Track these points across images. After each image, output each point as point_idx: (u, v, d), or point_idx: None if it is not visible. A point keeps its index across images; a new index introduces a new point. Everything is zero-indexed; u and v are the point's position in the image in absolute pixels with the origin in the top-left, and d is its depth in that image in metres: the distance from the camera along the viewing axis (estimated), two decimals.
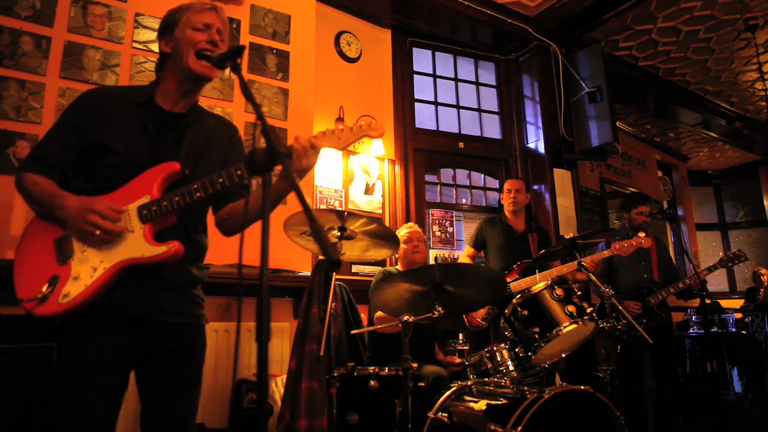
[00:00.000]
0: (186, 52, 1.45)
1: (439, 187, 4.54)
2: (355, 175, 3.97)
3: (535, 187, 4.60)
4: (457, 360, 3.00)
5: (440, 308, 2.16)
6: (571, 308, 2.30)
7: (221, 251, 1.85)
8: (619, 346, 3.35)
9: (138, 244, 1.35)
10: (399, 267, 3.24)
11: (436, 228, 4.35)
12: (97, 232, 1.32)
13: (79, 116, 1.45)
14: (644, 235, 3.16)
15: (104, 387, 1.35)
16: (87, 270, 1.33)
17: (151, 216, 1.36)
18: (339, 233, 2.12)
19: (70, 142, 1.43)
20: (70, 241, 1.38)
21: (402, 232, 3.14)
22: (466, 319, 3.33)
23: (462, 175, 4.73)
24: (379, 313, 2.76)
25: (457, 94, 4.81)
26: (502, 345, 2.41)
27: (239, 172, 1.34)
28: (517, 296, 2.44)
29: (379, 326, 2.56)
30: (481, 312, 3.27)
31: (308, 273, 2.96)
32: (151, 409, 1.44)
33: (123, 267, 1.34)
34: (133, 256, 1.34)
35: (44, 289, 1.32)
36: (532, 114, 4.74)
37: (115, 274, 1.34)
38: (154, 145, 1.44)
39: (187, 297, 1.49)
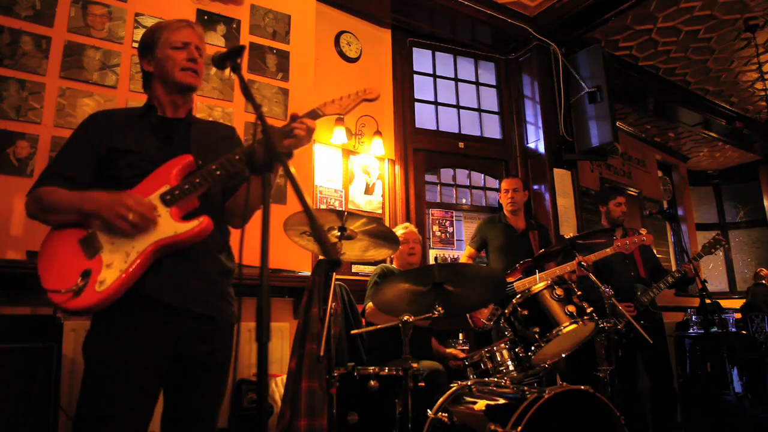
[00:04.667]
0: (171, 69, 1.53)
1: (439, 187, 4.54)
2: (355, 175, 3.97)
3: (535, 187, 4.59)
4: (461, 355, 2.98)
5: (440, 308, 2.16)
6: (571, 308, 2.30)
7: None
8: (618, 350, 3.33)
9: (168, 225, 1.38)
10: (394, 267, 3.24)
11: (436, 228, 4.35)
12: (130, 217, 1.32)
13: (90, 133, 1.50)
14: (645, 231, 3.15)
15: (141, 385, 1.35)
16: (120, 256, 1.34)
17: (174, 199, 1.40)
18: (339, 233, 2.12)
19: (86, 160, 1.48)
20: (95, 237, 1.39)
21: (398, 232, 3.10)
22: (470, 320, 3.32)
23: (462, 175, 4.73)
24: (370, 304, 2.74)
25: (457, 94, 4.81)
26: (502, 345, 2.41)
27: None
28: (517, 296, 2.44)
29: (379, 326, 2.56)
30: (486, 312, 3.26)
31: (308, 273, 2.96)
32: (173, 410, 1.46)
33: (157, 248, 1.36)
34: (165, 236, 1.36)
35: (79, 281, 1.32)
36: (532, 114, 4.74)
37: (149, 257, 1.35)
38: (165, 143, 1.53)
39: (218, 288, 1.52)
